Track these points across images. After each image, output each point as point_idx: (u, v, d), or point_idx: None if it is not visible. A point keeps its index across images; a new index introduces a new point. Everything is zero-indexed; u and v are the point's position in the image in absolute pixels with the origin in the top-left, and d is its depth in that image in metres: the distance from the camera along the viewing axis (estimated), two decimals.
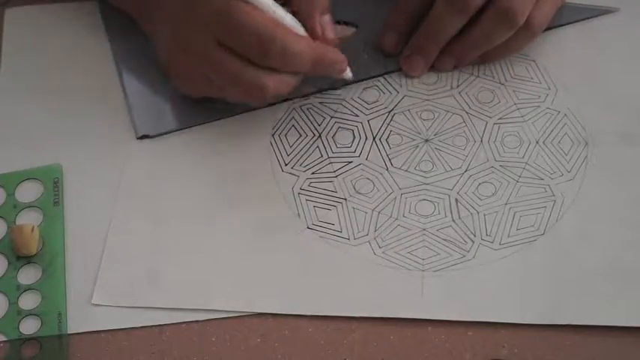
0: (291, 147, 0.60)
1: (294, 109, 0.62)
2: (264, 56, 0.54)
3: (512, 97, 0.62)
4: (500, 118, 0.61)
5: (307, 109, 0.62)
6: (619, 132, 0.60)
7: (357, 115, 0.62)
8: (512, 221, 0.57)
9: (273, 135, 0.61)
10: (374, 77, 0.63)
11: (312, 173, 0.59)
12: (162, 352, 0.53)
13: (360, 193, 0.58)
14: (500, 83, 0.62)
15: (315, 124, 0.61)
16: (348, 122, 0.61)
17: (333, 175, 0.59)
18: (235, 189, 0.59)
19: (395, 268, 0.55)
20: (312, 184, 0.59)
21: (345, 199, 0.58)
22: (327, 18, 0.57)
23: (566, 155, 0.59)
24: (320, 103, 0.62)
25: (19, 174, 0.60)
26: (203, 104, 0.61)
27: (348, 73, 0.59)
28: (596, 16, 0.65)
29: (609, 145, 0.59)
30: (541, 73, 0.63)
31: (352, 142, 0.60)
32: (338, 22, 0.58)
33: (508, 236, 0.56)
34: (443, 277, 0.55)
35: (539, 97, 0.62)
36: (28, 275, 0.56)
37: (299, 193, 0.58)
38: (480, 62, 0.63)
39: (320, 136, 0.61)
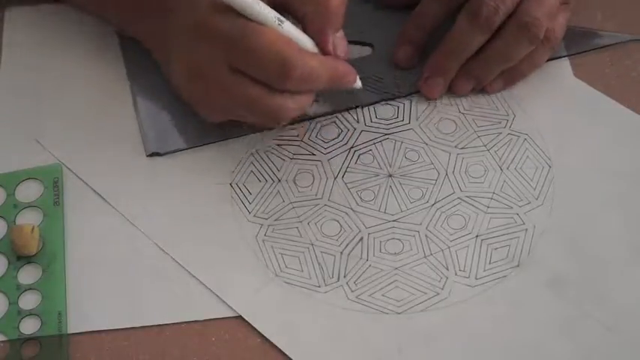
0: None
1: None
2: (285, 81, 0.52)
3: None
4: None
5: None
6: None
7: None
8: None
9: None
10: (391, 99, 0.62)
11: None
12: (162, 352, 0.53)
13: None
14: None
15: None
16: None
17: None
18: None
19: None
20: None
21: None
22: (340, 34, 0.55)
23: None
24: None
25: (19, 174, 0.59)
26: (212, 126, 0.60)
27: (359, 83, 0.57)
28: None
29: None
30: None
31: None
32: (354, 43, 0.56)
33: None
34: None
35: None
36: (28, 275, 0.56)
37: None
38: (503, 86, 0.62)
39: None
